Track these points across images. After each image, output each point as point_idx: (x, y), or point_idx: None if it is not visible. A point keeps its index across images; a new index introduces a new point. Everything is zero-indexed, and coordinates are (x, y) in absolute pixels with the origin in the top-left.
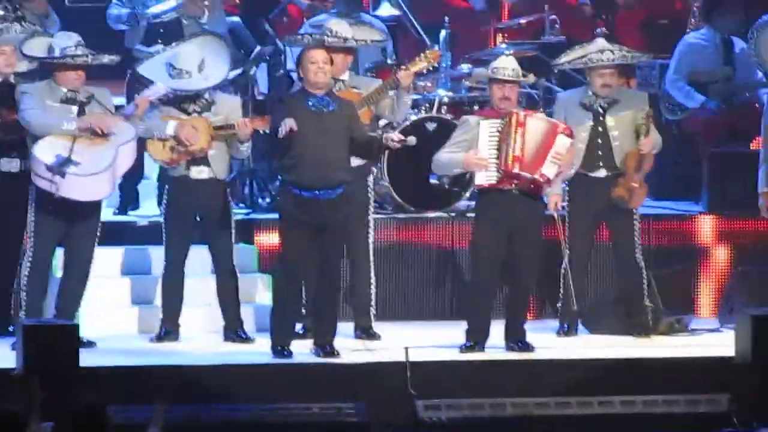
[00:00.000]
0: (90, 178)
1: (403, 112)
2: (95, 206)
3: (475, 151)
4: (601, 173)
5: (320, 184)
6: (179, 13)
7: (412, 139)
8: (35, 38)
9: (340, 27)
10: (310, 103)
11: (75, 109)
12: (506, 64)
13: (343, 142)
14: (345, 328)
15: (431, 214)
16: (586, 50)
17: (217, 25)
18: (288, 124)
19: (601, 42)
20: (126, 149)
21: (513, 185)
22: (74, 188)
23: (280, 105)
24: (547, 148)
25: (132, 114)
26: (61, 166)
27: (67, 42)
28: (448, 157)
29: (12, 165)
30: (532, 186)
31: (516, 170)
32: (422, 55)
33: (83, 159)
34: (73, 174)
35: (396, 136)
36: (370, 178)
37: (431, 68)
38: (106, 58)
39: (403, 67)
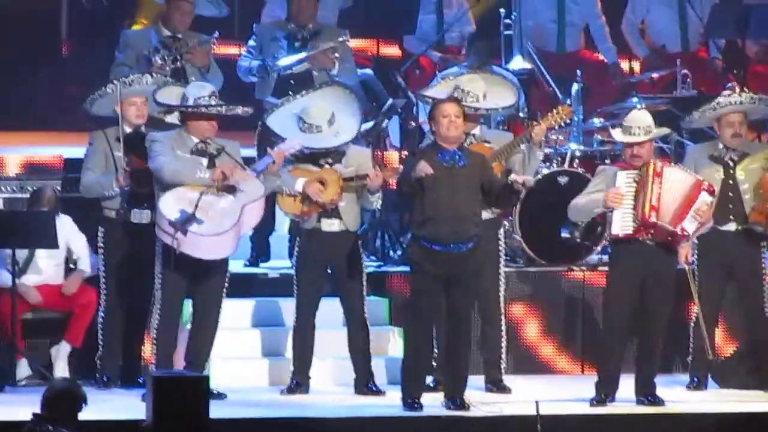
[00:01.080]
0: (212, 238)
1: (533, 166)
2: (221, 260)
3: (615, 188)
4: (731, 226)
5: (452, 238)
6: (310, 64)
7: (529, 180)
8: (168, 88)
9: (473, 85)
10: (442, 158)
11: (205, 161)
12: (635, 123)
13: (474, 196)
14: (476, 381)
15: (562, 268)
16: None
17: (348, 77)
18: (422, 167)
19: (728, 92)
20: (252, 208)
21: (649, 236)
22: (196, 247)
23: (412, 159)
24: (688, 202)
25: (264, 170)
26: (184, 223)
27: (201, 92)
28: (586, 200)
29: (143, 216)
30: (669, 239)
31: (653, 219)
32: (555, 111)
33: (207, 217)
34: (195, 233)
35: (520, 177)
36: (502, 231)
37: (563, 124)
38: (240, 110)
39: (535, 122)
